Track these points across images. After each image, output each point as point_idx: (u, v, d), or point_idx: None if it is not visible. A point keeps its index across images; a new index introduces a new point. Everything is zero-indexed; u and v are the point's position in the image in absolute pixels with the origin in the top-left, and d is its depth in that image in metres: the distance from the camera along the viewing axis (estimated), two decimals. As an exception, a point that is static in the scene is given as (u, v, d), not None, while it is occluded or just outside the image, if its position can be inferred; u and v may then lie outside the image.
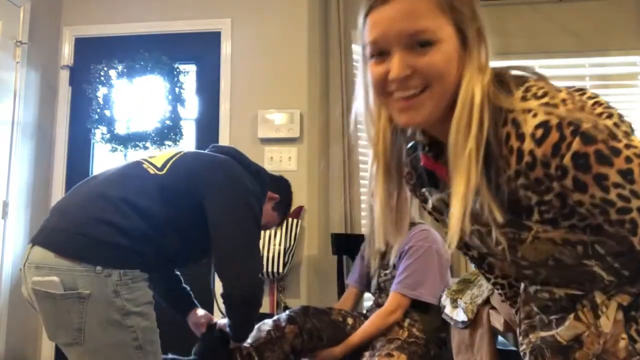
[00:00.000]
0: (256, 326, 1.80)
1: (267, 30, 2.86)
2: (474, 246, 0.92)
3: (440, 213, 0.91)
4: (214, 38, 2.89)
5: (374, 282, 2.09)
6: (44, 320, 1.38)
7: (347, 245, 2.57)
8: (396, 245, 0.90)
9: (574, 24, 3.02)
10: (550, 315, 0.90)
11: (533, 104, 0.71)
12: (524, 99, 0.73)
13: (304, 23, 2.83)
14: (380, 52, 0.76)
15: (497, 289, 1.12)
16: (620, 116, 0.73)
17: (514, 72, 0.79)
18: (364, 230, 2.81)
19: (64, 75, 2.98)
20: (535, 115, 0.70)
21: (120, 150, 2.83)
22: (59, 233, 1.41)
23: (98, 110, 2.82)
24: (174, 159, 1.56)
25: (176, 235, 1.47)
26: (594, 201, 0.71)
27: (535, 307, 0.94)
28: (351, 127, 2.75)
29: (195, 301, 1.89)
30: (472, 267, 2.89)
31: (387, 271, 2.04)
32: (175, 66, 2.83)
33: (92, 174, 2.93)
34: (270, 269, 2.52)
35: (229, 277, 1.50)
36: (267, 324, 1.85)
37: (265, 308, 2.64)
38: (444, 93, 0.75)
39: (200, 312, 1.87)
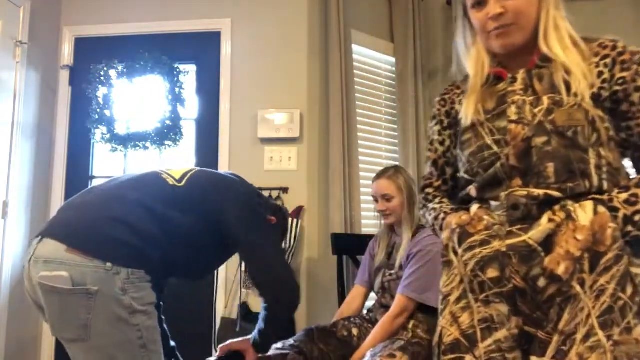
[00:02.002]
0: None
1: (267, 30, 2.86)
2: (507, 115, 1.10)
3: (526, 86, 1.12)
4: (214, 38, 2.89)
5: (378, 281, 2.09)
6: (49, 315, 1.37)
7: (347, 245, 2.57)
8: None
9: (572, 24, 3.02)
10: (508, 226, 1.04)
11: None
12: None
13: (304, 23, 2.83)
14: (479, 3, 1.12)
15: (440, 198, 1.28)
16: None
17: None
18: (364, 230, 2.81)
19: (64, 75, 2.98)
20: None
21: (120, 150, 2.83)
22: (72, 227, 1.41)
23: (98, 110, 2.82)
24: (190, 173, 1.61)
25: (184, 247, 1.50)
26: None
27: (487, 216, 1.07)
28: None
29: (179, 354, 1.84)
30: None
31: (393, 272, 2.03)
32: (175, 66, 2.83)
33: (92, 174, 2.93)
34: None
35: (275, 286, 1.56)
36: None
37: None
38: (527, 26, 1.09)
39: None
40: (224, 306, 2.66)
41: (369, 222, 2.86)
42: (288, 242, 2.54)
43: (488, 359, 0.97)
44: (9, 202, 2.59)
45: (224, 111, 2.83)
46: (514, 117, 1.07)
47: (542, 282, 0.97)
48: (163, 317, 1.72)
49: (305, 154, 2.74)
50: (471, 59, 1.19)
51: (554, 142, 1.02)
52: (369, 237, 2.31)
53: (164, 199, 1.49)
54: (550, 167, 1.02)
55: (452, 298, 1.08)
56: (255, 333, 1.67)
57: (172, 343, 1.73)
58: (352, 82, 2.89)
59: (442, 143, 1.27)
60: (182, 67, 2.86)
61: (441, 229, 1.19)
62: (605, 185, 1.01)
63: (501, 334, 0.99)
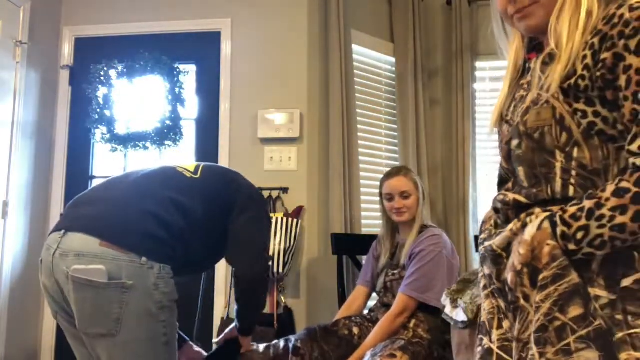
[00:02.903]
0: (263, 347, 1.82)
1: (267, 30, 2.86)
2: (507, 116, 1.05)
3: (532, 78, 1.03)
4: (214, 38, 2.89)
5: (380, 281, 2.09)
6: (79, 310, 1.35)
7: (347, 245, 2.57)
8: None
9: None
10: (496, 229, 1.03)
11: None
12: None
13: (304, 23, 2.83)
14: None
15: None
16: None
17: None
18: (364, 230, 2.81)
19: (64, 75, 2.99)
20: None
21: (120, 150, 2.83)
22: (103, 220, 1.40)
23: (98, 110, 2.82)
24: (201, 166, 1.67)
25: (203, 238, 1.52)
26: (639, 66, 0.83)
27: (492, 220, 1.06)
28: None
29: (184, 335, 1.88)
30: (473, 267, 2.90)
31: (396, 271, 2.03)
32: (175, 66, 2.83)
33: (92, 174, 2.93)
34: (270, 269, 2.52)
35: (242, 262, 1.59)
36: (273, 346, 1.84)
37: (265, 308, 2.64)
38: (550, 2, 0.96)
39: (195, 347, 1.86)
40: (224, 306, 2.66)
41: (369, 222, 2.86)
42: (288, 242, 2.54)
43: (500, 346, 0.98)
44: (9, 202, 2.59)
45: (224, 111, 2.83)
46: (508, 117, 1.03)
47: (507, 287, 0.97)
48: None
49: (305, 154, 2.74)
50: (510, 47, 1.10)
51: (523, 145, 0.97)
52: (369, 237, 2.31)
53: (186, 190, 1.52)
54: (521, 172, 0.98)
55: (480, 285, 1.09)
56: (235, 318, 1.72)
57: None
58: (352, 82, 2.89)
59: None
60: (182, 67, 2.86)
61: None
62: (572, 191, 0.91)
63: (506, 324, 0.99)
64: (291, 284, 2.68)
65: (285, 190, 2.70)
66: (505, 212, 1.00)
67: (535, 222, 0.91)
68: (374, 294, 2.20)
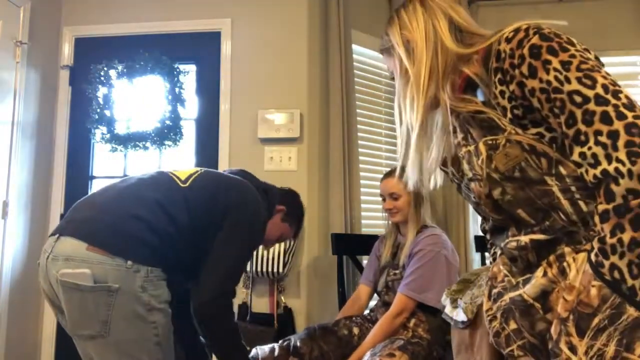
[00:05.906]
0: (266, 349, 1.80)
1: (267, 30, 2.86)
2: (465, 173, 1.05)
3: (465, 134, 1.06)
4: (214, 38, 2.90)
5: (382, 280, 2.09)
6: (68, 312, 1.38)
7: (347, 245, 2.57)
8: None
9: (573, 24, 3.01)
10: (517, 277, 0.98)
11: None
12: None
13: (304, 23, 2.83)
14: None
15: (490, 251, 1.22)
16: (587, 50, 0.92)
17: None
18: (364, 230, 2.81)
19: (64, 75, 2.99)
20: (513, 26, 0.95)
21: (120, 150, 2.83)
22: (92, 225, 1.43)
23: (98, 110, 2.82)
24: (195, 175, 1.62)
25: (192, 247, 1.52)
26: (541, 85, 0.87)
27: (504, 266, 1.01)
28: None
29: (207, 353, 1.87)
30: (473, 267, 2.90)
31: (397, 271, 2.04)
32: (175, 66, 2.83)
33: (92, 174, 2.93)
34: (270, 269, 2.52)
35: (203, 286, 1.50)
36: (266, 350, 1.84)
37: (265, 308, 2.64)
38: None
39: None
40: (224, 306, 2.66)
41: (369, 222, 2.86)
42: (288, 242, 2.54)
43: None
44: (9, 202, 2.59)
45: (224, 111, 2.83)
46: (470, 175, 1.02)
47: (548, 336, 0.91)
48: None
49: (305, 154, 2.74)
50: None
51: (509, 189, 0.94)
52: (369, 237, 2.31)
53: (175, 200, 1.52)
54: (522, 213, 0.95)
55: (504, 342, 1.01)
56: None
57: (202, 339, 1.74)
58: (352, 82, 2.89)
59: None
60: (182, 67, 2.86)
61: None
62: (583, 205, 0.89)
63: None
64: (291, 284, 2.68)
65: (285, 190, 2.70)
66: (525, 257, 0.96)
67: (579, 264, 0.87)
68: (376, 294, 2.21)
